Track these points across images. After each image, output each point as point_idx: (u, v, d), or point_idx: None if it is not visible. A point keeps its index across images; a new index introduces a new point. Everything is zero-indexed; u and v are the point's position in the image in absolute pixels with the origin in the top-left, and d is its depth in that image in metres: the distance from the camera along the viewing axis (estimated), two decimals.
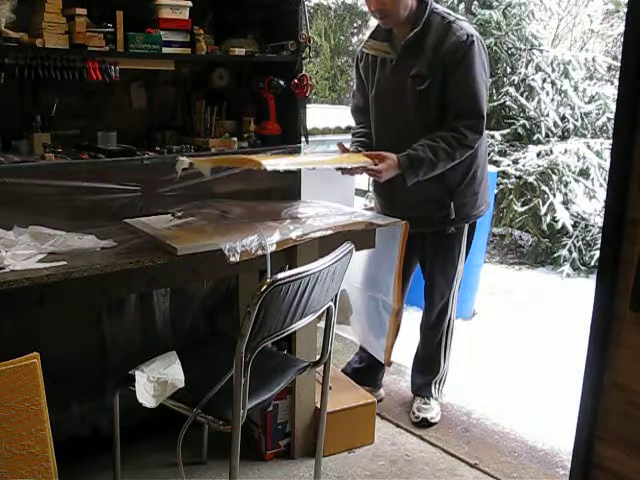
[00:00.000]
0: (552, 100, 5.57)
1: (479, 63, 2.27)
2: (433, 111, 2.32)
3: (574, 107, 5.60)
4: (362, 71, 2.54)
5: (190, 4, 2.26)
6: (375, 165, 2.24)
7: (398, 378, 3.02)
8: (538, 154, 5.14)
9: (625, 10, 1.31)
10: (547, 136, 5.44)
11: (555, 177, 4.98)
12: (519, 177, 5.04)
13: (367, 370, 2.78)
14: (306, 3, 2.48)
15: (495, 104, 5.51)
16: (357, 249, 1.88)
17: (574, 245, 4.91)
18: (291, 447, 2.36)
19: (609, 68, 5.94)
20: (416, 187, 2.33)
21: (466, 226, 2.53)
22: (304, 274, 1.59)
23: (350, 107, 2.70)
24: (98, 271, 1.70)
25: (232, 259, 1.83)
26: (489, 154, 4.99)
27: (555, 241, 5.03)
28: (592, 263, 4.77)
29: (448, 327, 2.67)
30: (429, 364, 2.71)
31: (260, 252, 1.90)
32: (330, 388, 2.06)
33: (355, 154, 2.40)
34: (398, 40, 2.37)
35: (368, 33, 2.54)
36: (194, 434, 2.18)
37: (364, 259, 2.61)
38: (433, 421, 2.61)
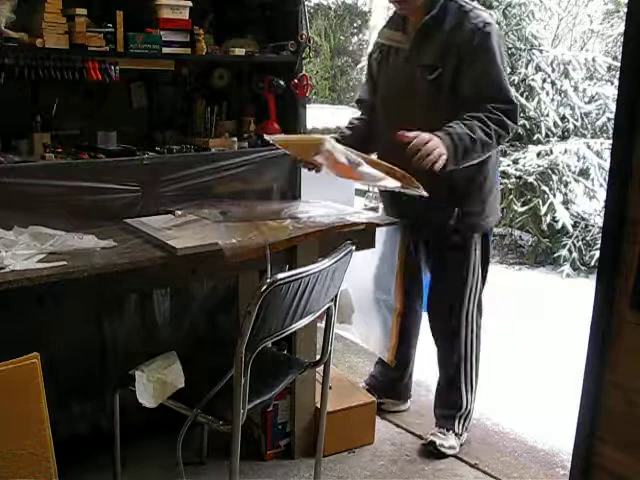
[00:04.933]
0: (552, 100, 5.58)
1: (497, 51, 2.14)
2: (443, 102, 2.17)
3: (574, 107, 5.60)
4: (374, 63, 2.44)
5: (190, 4, 2.26)
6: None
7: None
8: (538, 154, 5.14)
9: (625, 10, 1.31)
10: (547, 136, 5.44)
11: (555, 177, 4.99)
12: (519, 177, 5.04)
13: (391, 383, 2.66)
14: (306, 3, 2.49)
15: None
16: (357, 249, 1.88)
17: (574, 245, 4.91)
18: (291, 447, 2.36)
19: (609, 68, 5.94)
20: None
21: (477, 238, 2.33)
22: (304, 274, 1.59)
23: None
24: (98, 271, 1.70)
25: (232, 259, 1.83)
26: None
27: (555, 241, 5.04)
28: (592, 263, 4.77)
29: (466, 351, 2.39)
30: (449, 395, 2.45)
31: (260, 252, 1.90)
32: (330, 388, 2.05)
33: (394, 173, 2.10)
34: (413, 28, 2.27)
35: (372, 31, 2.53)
36: (194, 434, 2.19)
37: (366, 259, 2.61)
38: (442, 449, 2.36)
